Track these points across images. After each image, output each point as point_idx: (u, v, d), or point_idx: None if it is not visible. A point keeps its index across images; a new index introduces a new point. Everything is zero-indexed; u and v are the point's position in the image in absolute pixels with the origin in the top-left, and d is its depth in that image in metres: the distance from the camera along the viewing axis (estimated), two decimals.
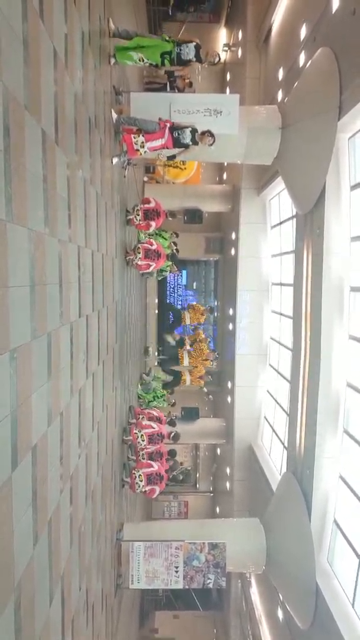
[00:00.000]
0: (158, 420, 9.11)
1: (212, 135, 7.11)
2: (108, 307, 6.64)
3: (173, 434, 9.17)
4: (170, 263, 11.05)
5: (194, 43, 6.84)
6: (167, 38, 6.79)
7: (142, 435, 8.45)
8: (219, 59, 7.24)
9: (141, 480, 7.99)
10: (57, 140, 3.69)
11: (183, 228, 15.94)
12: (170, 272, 11.35)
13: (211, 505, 20.75)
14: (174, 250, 11.38)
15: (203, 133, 7.07)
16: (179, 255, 12.21)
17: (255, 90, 12.79)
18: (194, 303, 12.77)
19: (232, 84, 16.24)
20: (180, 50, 6.78)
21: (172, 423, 10.04)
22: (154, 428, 8.63)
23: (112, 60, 6.72)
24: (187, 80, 8.76)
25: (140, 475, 7.99)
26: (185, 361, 9.35)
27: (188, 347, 9.80)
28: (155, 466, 8.11)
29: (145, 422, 8.78)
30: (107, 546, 6.75)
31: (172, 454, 9.19)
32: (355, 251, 7.46)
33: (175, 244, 11.54)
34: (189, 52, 6.81)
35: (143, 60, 6.81)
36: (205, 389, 11.03)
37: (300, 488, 8.25)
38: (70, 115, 4.19)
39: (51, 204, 3.52)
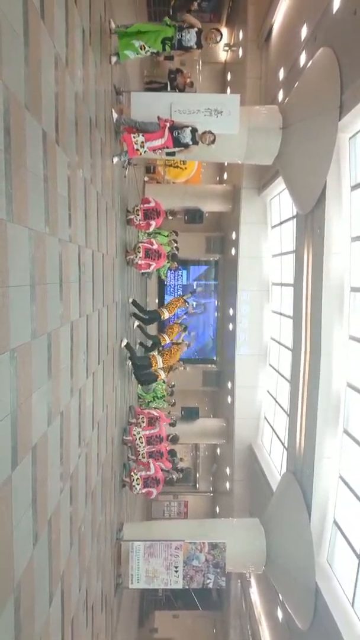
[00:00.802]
0: (158, 421, 9.11)
1: (212, 134, 7.09)
2: (108, 306, 6.64)
3: (172, 436, 9.19)
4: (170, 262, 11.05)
5: (196, 29, 6.78)
6: (169, 23, 6.72)
7: (140, 437, 8.47)
8: (221, 36, 7.13)
9: (138, 484, 8.04)
10: (57, 140, 3.69)
11: (183, 228, 15.94)
12: (169, 268, 11.34)
13: (211, 505, 20.75)
14: (174, 249, 11.37)
15: (203, 132, 7.06)
16: (179, 255, 12.18)
17: (256, 90, 12.78)
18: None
19: (232, 84, 16.24)
20: (181, 36, 6.72)
21: (172, 424, 10.05)
22: (153, 430, 8.66)
23: (114, 59, 6.67)
24: (188, 80, 8.75)
25: (137, 478, 8.02)
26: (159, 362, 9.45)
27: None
28: (152, 470, 8.13)
29: (145, 427, 8.81)
30: (107, 546, 6.75)
31: (172, 453, 9.20)
32: (355, 251, 7.46)
33: (175, 241, 11.52)
34: (190, 38, 6.74)
35: (145, 49, 6.69)
36: (181, 363, 11.07)
37: (300, 488, 8.25)
38: (70, 115, 4.19)
39: (51, 204, 3.52)
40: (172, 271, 11.65)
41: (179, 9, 7.14)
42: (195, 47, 6.83)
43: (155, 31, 6.65)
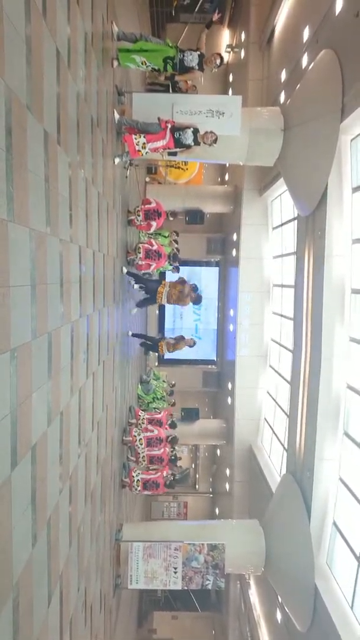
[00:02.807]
0: (159, 423, 9.12)
1: (213, 134, 7.09)
2: (109, 307, 6.64)
3: (171, 437, 9.20)
4: (170, 267, 11.08)
5: (199, 52, 6.79)
6: (171, 44, 6.75)
7: (140, 439, 8.49)
8: (221, 61, 7.15)
9: (138, 485, 8.06)
10: (59, 140, 3.70)
11: (184, 229, 15.96)
12: (172, 269, 11.36)
13: (210, 506, 20.74)
14: (175, 249, 11.38)
15: (205, 133, 7.06)
16: (180, 255, 12.19)
17: (257, 92, 12.80)
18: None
19: (234, 85, 16.26)
20: (183, 56, 6.73)
21: (172, 425, 10.05)
22: (153, 432, 8.67)
23: (115, 63, 6.71)
24: (190, 83, 8.76)
25: (138, 480, 8.04)
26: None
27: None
28: (154, 474, 8.17)
29: (146, 427, 8.84)
30: (106, 546, 6.75)
31: (173, 443, 9.27)
32: (356, 253, 7.46)
33: (176, 242, 11.53)
34: (192, 59, 6.75)
35: (146, 64, 6.78)
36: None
37: (300, 490, 8.24)
38: (72, 115, 4.19)
39: (52, 204, 3.52)
40: (173, 272, 11.62)
41: (181, 10, 7.13)
42: (197, 67, 6.83)
43: (157, 50, 6.68)
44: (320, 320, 7.63)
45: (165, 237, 11.22)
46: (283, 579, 8.68)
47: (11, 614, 2.79)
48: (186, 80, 8.51)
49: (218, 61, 7.08)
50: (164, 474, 8.47)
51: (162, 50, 6.68)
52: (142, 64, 6.76)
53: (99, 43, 5.58)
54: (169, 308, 18.17)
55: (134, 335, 9.95)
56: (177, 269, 11.58)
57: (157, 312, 18.39)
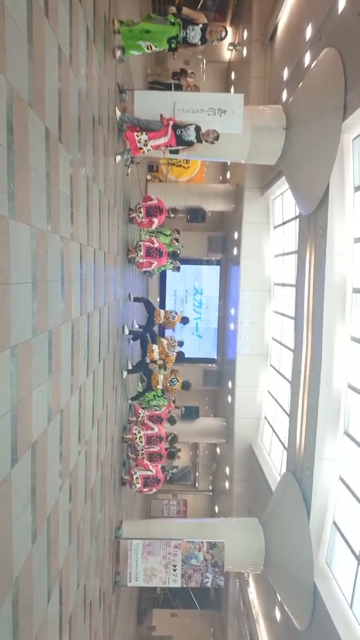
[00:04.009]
0: (159, 420, 9.13)
1: (215, 131, 7.08)
2: (109, 305, 6.64)
3: (171, 436, 9.21)
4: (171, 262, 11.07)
5: (200, 25, 6.76)
6: (173, 20, 6.71)
7: (141, 437, 8.50)
8: (226, 33, 7.10)
9: (138, 483, 8.06)
10: (60, 138, 3.69)
11: (186, 227, 15.94)
12: (173, 268, 11.35)
13: (210, 504, 20.77)
14: (177, 249, 11.38)
15: (207, 130, 7.05)
16: (181, 254, 12.17)
17: (260, 90, 12.77)
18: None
19: (236, 83, 16.21)
20: (186, 33, 6.71)
21: (172, 421, 10.07)
22: (153, 430, 8.67)
23: (118, 53, 6.64)
24: (190, 80, 8.75)
25: (137, 478, 8.04)
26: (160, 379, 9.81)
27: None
28: (154, 470, 8.15)
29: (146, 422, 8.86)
30: (105, 544, 6.76)
31: (173, 441, 9.30)
32: (358, 252, 7.45)
33: (177, 240, 11.52)
34: (194, 35, 6.74)
35: (151, 48, 6.75)
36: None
37: (300, 488, 8.24)
38: (74, 113, 4.19)
39: (54, 201, 3.52)
40: (174, 270, 11.60)
41: (184, 6, 7.11)
42: (199, 43, 6.82)
43: (161, 31, 6.65)
44: (321, 319, 7.63)
45: (166, 235, 11.21)
46: (282, 578, 8.70)
47: (11, 610, 2.80)
48: (188, 77, 8.49)
49: (223, 34, 7.02)
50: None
51: (165, 31, 6.65)
52: (147, 48, 6.73)
53: (101, 40, 5.56)
54: (168, 308, 18.22)
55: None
56: (177, 269, 11.57)
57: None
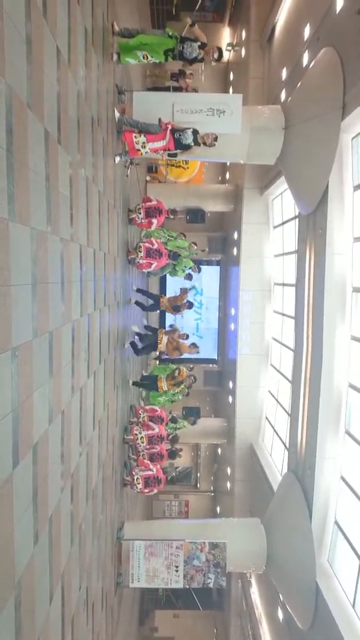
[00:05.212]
0: (160, 420, 9.13)
1: (213, 134, 7.12)
2: (110, 306, 6.64)
3: (172, 435, 9.21)
4: (191, 264, 11.15)
5: (199, 43, 6.83)
6: (170, 34, 6.78)
7: (142, 437, 8.50)
8: (220, 55, 7.20)
9: (139, 483, 8.06)
10: (59, 139, 3.70)
11: (185, 228, 15.93)
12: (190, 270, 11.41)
13: (212, 505, 20.75)
14: (196, 253, 11.52)
15: (205, 133, 7.07)
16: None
17: (258, 90, 12.77)
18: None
19: (235, 84, 16.22)
20: (183, 48, 6.78)
21: (173, 420, 10.07)
22: (154, 430, 8.67)
23: (115, 57, 6.71)
24: (189, 82, 8.77)
25: (138, 478, 8.04)
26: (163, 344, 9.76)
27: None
28: (154, 470, 8.15)
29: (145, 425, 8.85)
30: (107, 545, 6.76)
31: (173, 441, 9.31)
32: (357, 251, 7.45)
33: (195, 244, 11.68)
34: (191, 51, 6.80)
35: (147, 58, 6.85)
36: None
37: (301, 488, 8.24)
38: (72, 114, 4.19)
39: (53, 203, 3.52)
40: (195, 272, 11.57)
41: (182, 8, 7.19)
42: (197, 58, 6.90)
43: (157, 43, 6.72)
44: (322, 319, 7.63)
45: (178, 239, 11.34)
46: (284, 578, 8.69)
47: (13, 612, 2.80)
48: (186, 79, 8.52)
49: (216, 56, 7.16)
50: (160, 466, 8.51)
51: (162, 43, 6.72)
52: (143, 57, 6.84)
53: (99, 41, 5.57)
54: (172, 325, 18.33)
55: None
56: (190, 277, 11.61)
57: (158, 312, 18.38)
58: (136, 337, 9.82)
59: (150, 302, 11.10)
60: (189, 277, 11.48)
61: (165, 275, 13.71)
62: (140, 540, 8.19)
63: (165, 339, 9.85)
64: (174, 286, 18.46)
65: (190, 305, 11.30)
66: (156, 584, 8.41)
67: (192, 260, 11.14)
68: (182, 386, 10.08)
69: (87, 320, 4.97)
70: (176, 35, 6.79)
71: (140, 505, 13.38)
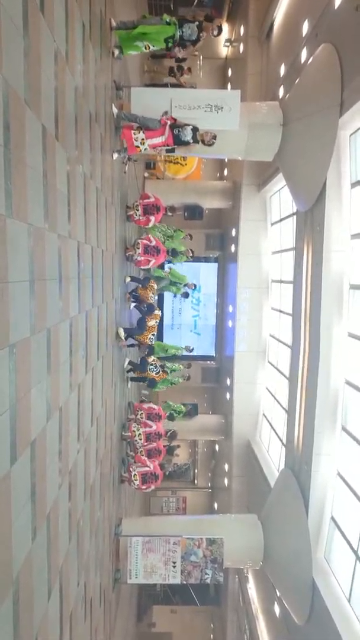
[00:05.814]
0: (157, 417, 9.14)
1: (213, 133, 7.13)
2: (108, 303, 6.63)
3: (170, 432, 9.22)
4: (184, 253, 11.14)
5: (196, 22, 6.89)
6: (168, 20, 6.82)
7: (139, 434, 8.51)
8: (219, 31, 7.32)
9: (136, 479, 8.07)
10: (57, 135, 3.68)
11: (183, 224, 15.90)
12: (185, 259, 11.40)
13: (209, 501, 20.82)
14: (190, 252, 11.52)
15: (205, 131, 7.07)
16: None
17: (256, 86, 12.73)
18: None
19: (233, 80, 16.17)
20: (182, 32, 6.86)
21: (170, 418, 10.09)
22: (152, 427, 8.68)
23: (116, 52, 6.71)
24: (187, 76, 8.76)
25: (135, 474, 8.06)
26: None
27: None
28: (151, 466, 8.16)
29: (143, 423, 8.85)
30: (105, 541, 6.78)
31: (172, 438, 9.32)
32: (355, 248, 7.46)
33: (190, 236, 11.71)
34: (191, 33, 6.92)
35: (149, 48, 6.95)
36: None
37: (298, 484, 8.27)
38: (70, 110, 4.17)
39: (51, 199, 3.51)
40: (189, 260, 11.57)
41: (180, 3, 7.25)
42: (196, 39, 6.95)
43: (158, 32, 6.74)
44: (319, 316, 7.64)
45: (181, 232, 11.37)
46: (281, 573, 8.74)
47: (11, 608, 2.81)
48: (184, 73, 8.52)
49: (216, 32, 7.28)
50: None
51: (162, 31, 6.80)
52: (145, 48, 6.91)
53: (97, 37, 5.54)
54: (167, 306, 18.19)
55: (132, 279, 9.98)
56: (186, 295, 11.67)
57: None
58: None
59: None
60: (185, 295, 11.57)
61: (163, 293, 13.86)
62: (138, 536, 8.21)
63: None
64: (171, 303, 18.40)
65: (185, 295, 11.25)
66: (154, 580, 8.45)
67: (174, 254, 11.07)
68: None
69: (85, 317, 4.97)
70: (174, 21, 6.84)
71: (138, 502, 13.42)
